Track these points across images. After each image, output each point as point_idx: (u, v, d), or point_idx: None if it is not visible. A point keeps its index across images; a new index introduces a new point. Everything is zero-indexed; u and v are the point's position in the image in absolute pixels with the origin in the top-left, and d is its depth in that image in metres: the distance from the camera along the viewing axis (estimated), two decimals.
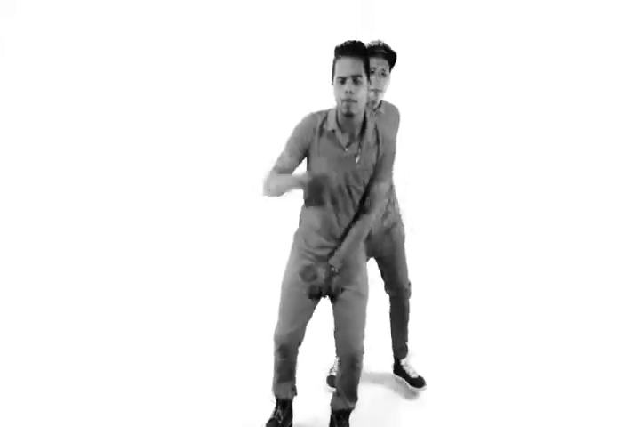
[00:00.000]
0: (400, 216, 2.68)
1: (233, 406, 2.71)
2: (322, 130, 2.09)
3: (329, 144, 2.09)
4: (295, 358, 2.41)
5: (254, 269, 4.01)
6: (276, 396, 2.50)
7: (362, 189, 2.15)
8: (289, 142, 2.14)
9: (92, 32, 6.74)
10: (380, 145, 2.11)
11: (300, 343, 2.36)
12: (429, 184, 5.42)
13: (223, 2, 6.48)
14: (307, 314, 2.30)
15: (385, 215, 2.60)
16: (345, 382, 2.38)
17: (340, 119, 2.07)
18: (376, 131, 2.12)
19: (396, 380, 2.94)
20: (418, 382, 2.85)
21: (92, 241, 4.55)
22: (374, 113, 2.48)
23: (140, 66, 6.71)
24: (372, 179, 2.14)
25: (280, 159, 2.16)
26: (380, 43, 2.42)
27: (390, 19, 5.96)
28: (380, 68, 2.39)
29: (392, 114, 2.58)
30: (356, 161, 2.08)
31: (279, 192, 2.07)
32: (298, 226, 2.31)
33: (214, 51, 6.56)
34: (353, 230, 2.17)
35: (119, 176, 5.87)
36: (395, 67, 2.49)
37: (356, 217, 2.19)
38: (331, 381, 2.86)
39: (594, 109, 5.89)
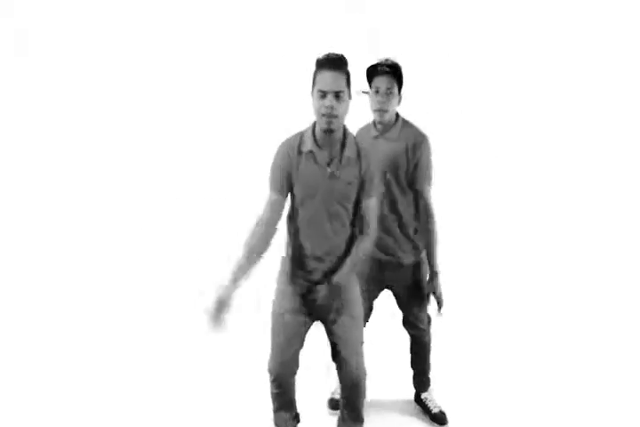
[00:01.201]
0: (420, 253, 2.52)
1: None
2: (300, 152, 2.01)
3: (309, 165, 2.00)
4: (292, 388, 2.34)
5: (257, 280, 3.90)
6: (276, 425, 2.43)
7: (350, 207, 2.06)
8: (274, 182, 2.05)
9: (93, 33, 6.67)
10: (362, 159, 2.02)
11: (294, 373, 2.30)
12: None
13: (222, 5, 6.40)
14: (297, 342, 2.22)
15: (412, 249, 2.47)
16: (350, 407, 2.31)
17: (318, 137, 1.99)
18: (356, 144, 2.03)
19: (417, 409, 2.84)
20: (439, 419, 2.72)
21: (92, 242, 4.47)
22: (381, 135, 2.36)
23: (138, 68, 6.64)
24: (361, 195, 2.06)
25: (272, 207, 2.04)
26: (386, 60, 2.30)
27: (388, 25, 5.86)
28: (384, 87, 2.27)
29: (408, 140, 2.32)
30: (337, 176, 1.99)
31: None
32: (285, 250, 2.20)
33: (213, 54, 6.49)
34: (356, 250, 2.08)
35: (117, 177, 5.78)
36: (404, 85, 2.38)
37: (348, 238, 2.10)
38: (332, 404, 2.79)
39: (592, 111, 5.83)
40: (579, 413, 2.82)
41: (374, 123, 2.42)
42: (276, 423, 2.42)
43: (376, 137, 2.39)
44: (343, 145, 2.00)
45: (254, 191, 5.56)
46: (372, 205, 2.08)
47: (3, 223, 4.89)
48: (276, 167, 2.04)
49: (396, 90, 2.30)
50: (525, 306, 3.84)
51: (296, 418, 2.44)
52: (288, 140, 2.05)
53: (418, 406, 2.84)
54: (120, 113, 6.65)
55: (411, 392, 2.93)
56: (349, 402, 2.30)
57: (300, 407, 2.79)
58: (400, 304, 2.60)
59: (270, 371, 2.27)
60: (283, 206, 2.06)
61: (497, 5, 6.12)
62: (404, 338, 3.38)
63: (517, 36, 6.07)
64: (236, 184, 5.85)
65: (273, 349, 2.24)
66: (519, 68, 6.15)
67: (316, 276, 2.13)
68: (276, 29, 6.50)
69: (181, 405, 2.80)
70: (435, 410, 2.75)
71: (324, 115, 1.90)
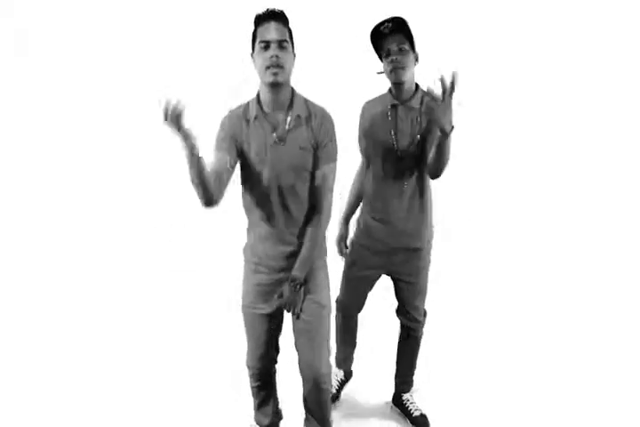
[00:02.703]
0: (432, 238, 2.36)
1: None
2: (247, 120, 1.85)
3: (256, 130, 1.83)
4: (272, 381, 2.24)
5: None
6: (257, 423, 2.31)
7: (308, 178, 1.87)
8: (218, 141, 1.86)
9: (93, 33, 6.69)
10: (314, 119, 1.84)
11: (273, 364, 2.20)
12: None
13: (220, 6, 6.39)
14: (272, 333, 2.10)
15: (418, 233, 2.27)
16: (313, 407, 2.12)
17: (263, 100, 1.83)
18: (307, 104, 1.86)
19: (395, 411, 2.67)
20: (420, 423, 2.52)
21: (89, 242, 4.42)
22: (404, 104, 2.11)
23: (138, 68, 6.64)
24: (315, 163, 1.87)
25: (214, 162, 1.85)
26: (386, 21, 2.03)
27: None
28: (394, 45, 2.01)
29: (430, 108, 1.96)
30: (284, 140, 1.81)
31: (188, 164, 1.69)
32: (246, 241, 2.04)
33: (212, 55, 6.47)
34: (309, 232, 1.91)
35: (117, 177, 5.76)
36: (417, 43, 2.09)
37: (308, 215, 1.92)
38: None
39: (593, 110, 5.70)
40: (568, 419, 2.64)
41: (391, 91, 2.17)
42: (257, 421, 2.30)
43: (394, 105, 2.14)
44: (291, 105, 1.83)
45: None
46: (327, 174, 1.88)
47: (2, 224, 4.84)
48: (223, 129, 1.86)
49: (408, 46, 2.03)
50: (518, 309, 3.68)
51: (278, 414, 2.31)
52: (232, 111, 1.90)
53: (395, 409, 2.64)
54: (120, 113, 6.62)
55: (387, 393, 2.76)
56: (313, 403, 2.10)
57: (282, 403, 2.60)
58: (399, 292, 2.42)
59: (248, 365, 2.17)
60: (224, 162, 1.82)
61: (495, 5, 6.01)
62: (387, 336, 3.16)
63: (514, 35, 5.95)
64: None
65: (248, 343, 2.13)
66: (515, 67, 6.02)
67: (277, 262, 1.95)
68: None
69: (165, 403, 2.69)
70: (415, 413, 2.59)
71: (268, 67, 1.74)
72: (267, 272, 1.97)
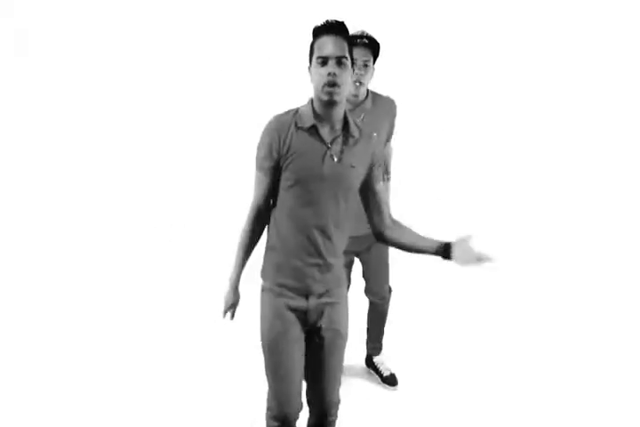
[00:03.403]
0: None
1: None
2: (297, 128, 1.73)
3: (309, 142, 1.71)
4: (294, 424, 1.97)
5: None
6: None
7: (350, 195, 1.79)
8: (259, 160, 1.77)
9: (93, 33, 6.73)
10: (370, 140, 1.81)
11: (299, 411, 1.91)
12: (422, 183, 5.35)
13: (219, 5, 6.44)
14: (300, 370, 1.87)
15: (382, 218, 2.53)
16: None
17: (318, 111, 1.73)
18: (357, 124, 1.81)
19: (368, 372, 2.92)
20: (390, 380, 2.78)
21: (90, 243, 4.53)
22: (357, 108, 2.42)
23: (138, 68, 6.67)
24: (371, 179, 1.83)
25: (257, 187, 1.80)
26: (362, 32, 2.35)
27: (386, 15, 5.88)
28: (361, 59, 2.31)
29: (382, 107, 2.47)
30: (341, 158, 1.74)
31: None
32: (263, 263, 1.87)
33: (211, 55, 6.51)
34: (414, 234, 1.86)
35: (117, 177, 5.87)
36: (380, 58, 2.43)
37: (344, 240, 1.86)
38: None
39: (592, 108, 5.78)
40: (519, 381, 2.88)
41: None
42: None
43: (350, 110, 2.41)
44: (346, 123, 1.76)
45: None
46: (384, 191, 1.89)
47: (2, 224, 4.91)
48: (264, 144, 1.74)
49: (371, 63, 2.35)
50: (481, 278, 3.88)
51: None
52: (280, 116, 1.76)
53: (368, 369, 2.88)
54: (120, 113, 6.66)
55: (360, 356, 2.99)
56: None
57: None
58: (366, 272, 2.70)
59: (272, 408, 1.88)
60: (270, 188, 1.78)
61: (489, 5, 6.11)
62: (357, 307, 3.32)
63: (509, 34, 6.05)
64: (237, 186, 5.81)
65: (273, 387, 1.85)
66: (511, 66, 6.12)
67: (310, 284, 1.79)
68: (270, 29, 6.53)
69: (175, 408, 2.68)
70: (386, 373, 2.84)
71: (325, 84, 1.65)
72: (294, 296, 1.81)
